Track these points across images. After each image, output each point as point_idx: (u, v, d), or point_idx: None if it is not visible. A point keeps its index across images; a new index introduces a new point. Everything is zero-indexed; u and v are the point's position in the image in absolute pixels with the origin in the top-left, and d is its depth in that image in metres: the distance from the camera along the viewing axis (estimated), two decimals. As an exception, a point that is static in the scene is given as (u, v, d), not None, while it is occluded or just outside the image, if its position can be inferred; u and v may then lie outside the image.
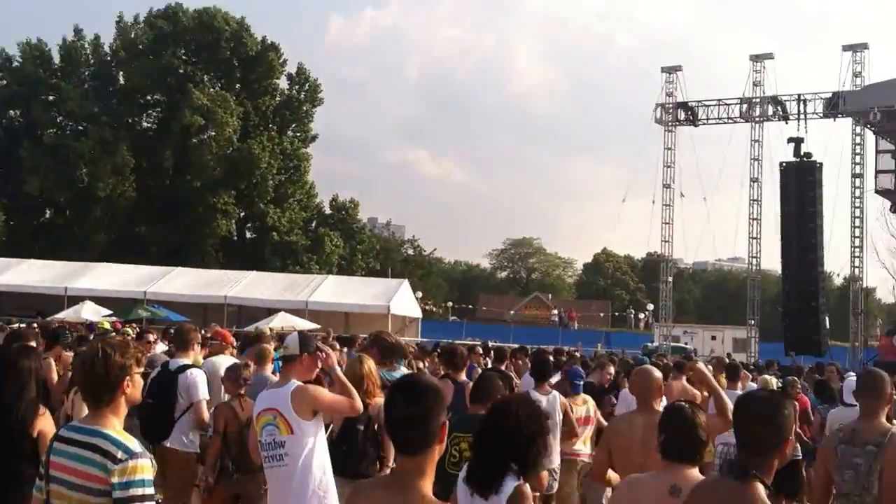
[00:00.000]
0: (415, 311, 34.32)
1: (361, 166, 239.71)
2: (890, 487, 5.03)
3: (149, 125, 56.71)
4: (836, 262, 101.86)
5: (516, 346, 21.15)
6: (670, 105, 36.77)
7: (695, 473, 4.12)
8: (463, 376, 8.79)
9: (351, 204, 59.93)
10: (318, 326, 25.06)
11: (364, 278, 43.15)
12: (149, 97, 55.82)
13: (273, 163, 52.75)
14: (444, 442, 3.21)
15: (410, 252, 77.52)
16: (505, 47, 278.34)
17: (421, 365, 12.07)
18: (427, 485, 3.11)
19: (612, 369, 11.05)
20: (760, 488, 3.36)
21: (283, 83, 57.19)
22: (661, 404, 5.78)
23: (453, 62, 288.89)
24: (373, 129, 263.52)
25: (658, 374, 6.09)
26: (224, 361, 9.05)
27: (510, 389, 10.50)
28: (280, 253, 53.37)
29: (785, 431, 3.48)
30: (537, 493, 8.50)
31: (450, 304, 66.06)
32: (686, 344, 37.85)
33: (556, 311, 60.07)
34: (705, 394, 8.40)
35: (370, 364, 7.16)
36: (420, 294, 46.38)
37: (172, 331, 10.65)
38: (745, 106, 35.48)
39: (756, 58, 35.56)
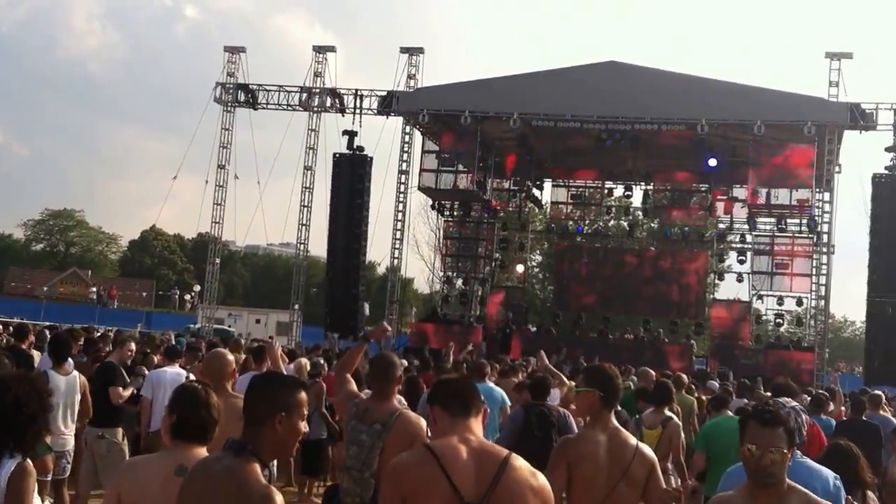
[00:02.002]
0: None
1: None
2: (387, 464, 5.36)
3: None
4: (379, 252, 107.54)
5: (47, 323, 19.67)
6: (231, 85, 36.32)
7: (202, 453, 3.98)
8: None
9: None
10: None
11: None
12: None
13: None
14: None
15: (-76, 217, 69.80)
16: (59, 4, 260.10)
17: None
18: None
19: (133, 346, 10.57)
20: (256, 466, 3.35)
21: None
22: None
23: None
24: None
25: (231, 357, 6.27)
26: None
27: (29, 368, 9.66)
28: None
29: (278, 407, 3.46)
30: (49, 479, 7.99)
31: (-30, 277, 60.45)
32: (230, 326, 37.76)
33: (94, 289, 57.12)
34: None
35: None
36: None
37: None
38: (304, 95, 35.93)
39: (319, 49, 36.21)
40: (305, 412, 3.58)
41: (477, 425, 3.52)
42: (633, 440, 5.05)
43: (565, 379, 10.18)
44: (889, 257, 28.86)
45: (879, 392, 13.09)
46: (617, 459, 4.85)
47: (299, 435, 3.54)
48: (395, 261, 35.64)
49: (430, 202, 37.26)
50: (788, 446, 3.93)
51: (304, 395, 3.58)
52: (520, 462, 3.44)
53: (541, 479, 3.45)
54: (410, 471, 3.42)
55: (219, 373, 5.81)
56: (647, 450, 5.05)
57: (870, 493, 6.02)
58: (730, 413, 9.26)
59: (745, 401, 11.70)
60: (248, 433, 3.45)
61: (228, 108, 36.45)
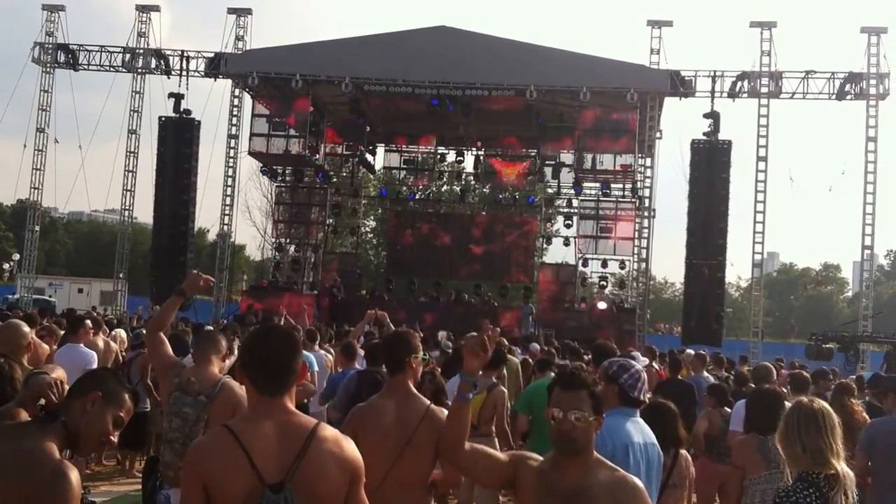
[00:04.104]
0: None
1: None
2: None
3: None
4: (209, 219, 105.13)
5: None
6: (50, 45, 34.59)
7: None
8: None
9: None
10: None
11: None
12: None
13: None
14: None
15: None
16: None
17: None
18: None
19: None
20: (53, 439, 3.23)
21: None
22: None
23: None
24: None
25: (27, 329, 5.83)
26: None
27: None
28: None
29: (100, 387, 3.40)
30: None
31: None
32: (51, 297, 36.24)
33: None
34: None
35: None
36: None
37: None
38: (128, 56, 34.58)
39: (142, 8, 34.81)
40: (122, 417, 3.43)
41: (288, 399, 3.32)
42: (424, 405, 4.72)
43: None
44: (706, 221, 30.23)
45: (704, 353, 13.80)
46: (403, 426, 4.58)
47: (101, 433, 3.38)
48: (226, 227, 34.87)
49: (261, 167, 36.61)
50: (594, 413, 3.59)
51: (130, 404, 3.47)
52: (327, 432, 3.27)
53: (348, 449, 3.28)
54: (209, 453, 3.20)
55: (13, 344, 5.46)
56: (440, 413, 4.62)
57: (683, 451, 6.30)
58: (553, 374, 9.49)
59: (568, 362, 12.05)
60: (61, 407, 3.35)
61: (48, 69, 34.77)
